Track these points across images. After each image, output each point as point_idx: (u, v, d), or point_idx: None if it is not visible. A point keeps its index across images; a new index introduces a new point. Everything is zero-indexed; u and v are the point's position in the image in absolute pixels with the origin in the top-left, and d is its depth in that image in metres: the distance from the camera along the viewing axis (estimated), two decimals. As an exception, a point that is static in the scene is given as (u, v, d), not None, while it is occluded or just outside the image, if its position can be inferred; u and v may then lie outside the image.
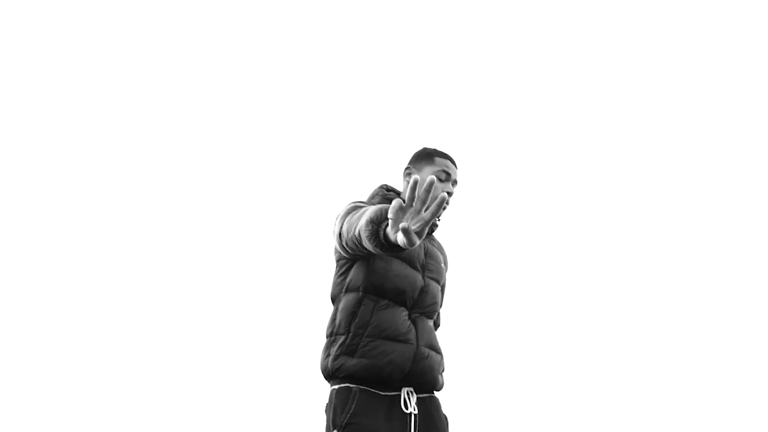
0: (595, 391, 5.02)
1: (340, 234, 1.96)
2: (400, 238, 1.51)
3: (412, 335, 2.06)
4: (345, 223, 1.93)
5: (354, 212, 1.94)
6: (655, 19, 5.59)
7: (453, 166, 2.27)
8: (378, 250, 1.70)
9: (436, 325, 2.45)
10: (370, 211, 1.73)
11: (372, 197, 2.29)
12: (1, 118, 5.19)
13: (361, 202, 2.15)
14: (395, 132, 5.22)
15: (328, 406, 2.04)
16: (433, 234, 2.38)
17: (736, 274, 5.23)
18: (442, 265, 2.31)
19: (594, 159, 5.54)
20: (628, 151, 5.58)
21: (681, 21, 5.54)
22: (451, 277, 2.48)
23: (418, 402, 2.07)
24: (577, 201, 5.43)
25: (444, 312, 2.49)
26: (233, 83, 5.61)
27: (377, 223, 1.67)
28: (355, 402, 1.97)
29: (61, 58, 5.37)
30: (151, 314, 5.13)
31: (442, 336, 2.44)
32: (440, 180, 2.21)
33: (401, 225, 1.47)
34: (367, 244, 1.72)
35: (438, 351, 2.17)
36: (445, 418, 2.18)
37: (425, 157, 2.28)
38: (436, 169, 2.23)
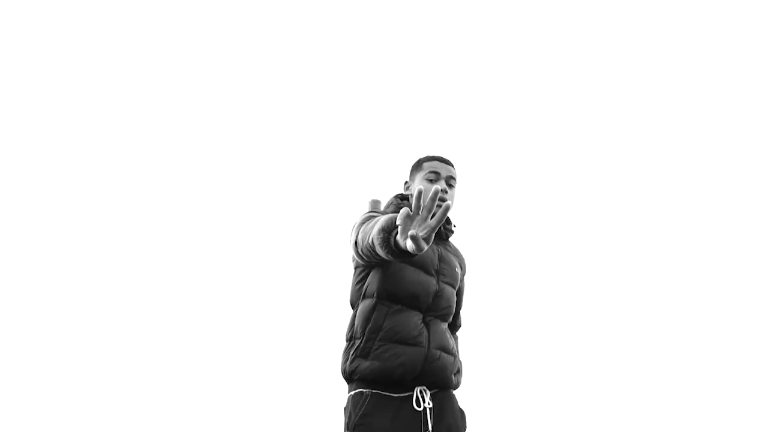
0: (606, 390, 5.02)
1: (356, 242, 2.05)
2: (410, 245, 1.59)
3: (423, 338, 2.14)
4: (360, 232, 2.03)
5: (368, 222, 2.04)
6: (655, 20, 5.56)
7: (444, 165, 2.32)
8: (390, 256, 1.79)
9: (457, 326, 2.52)
10: (382, 220, 1.83)
11: (387, 206, 2.39)
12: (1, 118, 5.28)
13: (375, 212, 2.25)
14: (410, 136, 5.26)
15: (345, 409, 2.16)
16: (449, 239, 2.45)
17: (739, 274, 5.20)
18: (457, 269, 2.36)
19: (598, 159, 5.53)
20: (628, 152, 5.57)
21: (681, 21, 5.51)
22: (468, 280, 2.54)
23: (432, 396, 2.15)
24: (584, 201, 5.43)
25: (463, 313, 2.55)
26: (242, 94, 5.68)
27: (388, 231, 1.77)
28: (366, 404, 2.08)
29: (61, 59, 5.44)
30: (175, 321, 5.22)
31: (462, 337, 2.55)
32: (430, 181, 2.28)
33: (410, 232, 1.56)
34: (380, 251, 1.81)
35: (451, 352, 2.23)
36: (461, 411, 2.26)
37: (415, 167, 2.38)
38: (424, 173, 2.31)
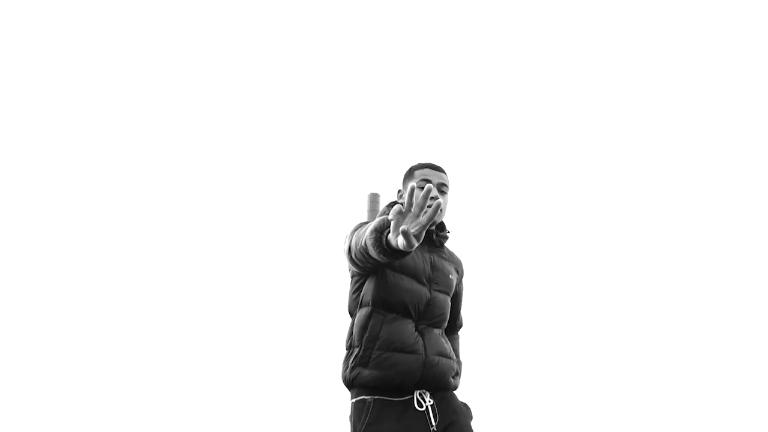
0: (604, 389, 4.96)
1: (349, 248, 2.09)
2: (401, 241, 1.64)
3: (419, 346, 2.17)
4: (353, 237, 2.07)
5: (360, 228, 2.08)
6: (654, 20, 5.50)
7: (435, 172, 2.35)
8: (382, 256, 1.84)
9: (458, 326, 2.58)
10: (375, 221, 1.89)
11: (380, 215, 2.40)
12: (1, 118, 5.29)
13: (366, 222, 2.25)
14: (407, 140, 5.24)
15: (349, 417, 2.19)
16: (444, 245, 2.45)
17: (739, 274, 5.12)
18: (451, 276, 2.38)
19: (592, 161, 5.48)
20: (626, 153, 5.51)
21: (681, 21, 5.44)
22: (467, 281, 2.57)
23: (432, 395, 2.19)
24: (580, 202, 5.38)
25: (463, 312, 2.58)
26: (240, 95, 5.67)
27: (380, 231, 1.83)
28: (369, 413, 2.10)
29: (63, 59, 5.45)
30: (175, 328, 5.19)
31: (461, 337, 2.59)
32: (422, 189, 2.28)
33: (401, 228, 1.60)
34: (372, 251, 1.86)
35: (449, 356, 2.26)
36: (465, 405, 2.29)
37: (407, 175, 2.41)
38: (415, 181, 2.33)
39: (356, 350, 2.17)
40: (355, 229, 2.11)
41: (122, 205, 5.42)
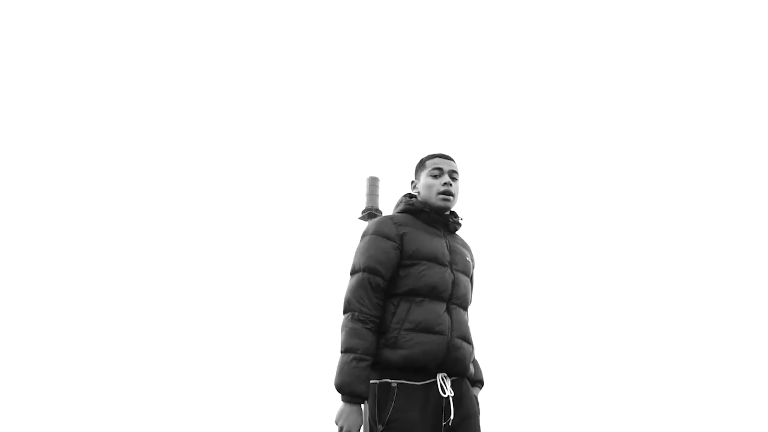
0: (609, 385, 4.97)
1: (344, 308, 2.29)
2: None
3: (445, 327, 2.28)
4: (350, 293, 2.29)
5: (359, 288, 2.28)
6: (655, 21, 5.50)
7: (445, 161, 2.47)
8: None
9: None
10: (347, 378, 2.18)
11: (397, 205, 2.52)
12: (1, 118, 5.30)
13: (376, 234, 2.35)
14: (409, 126, 5.24)
15: (371, 398, 2.25)
16: (456, 233, 2.54)
17: (739, 274, 5.14)
18: (468, 258, 2.48)
19: (599, 156, 5.48)
20: (628, 148, 5.51)
21: (681, 22, 5.44)
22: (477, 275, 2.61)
23: (452, 384, 2.28)
24: (587, 197, 5.39)
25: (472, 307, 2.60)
26: (242, 82, 5.67)
27: (341, 389, 2.18)
28: (395, 399, 2.20)
29: (63, 60, 5.45)
30: (193, 327, 5.20)
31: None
32: (434, 177, 2.43)
33: None
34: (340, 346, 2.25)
35: (470, 342, 2.37)
36: (475, 398, 2.40)
37: (419, 166, 2.53)
38: (428, 171, 2.46)
39: (384, 334, 2.26)
40: (358, 284, 2.28)
41: (120, 195, 5.43)
